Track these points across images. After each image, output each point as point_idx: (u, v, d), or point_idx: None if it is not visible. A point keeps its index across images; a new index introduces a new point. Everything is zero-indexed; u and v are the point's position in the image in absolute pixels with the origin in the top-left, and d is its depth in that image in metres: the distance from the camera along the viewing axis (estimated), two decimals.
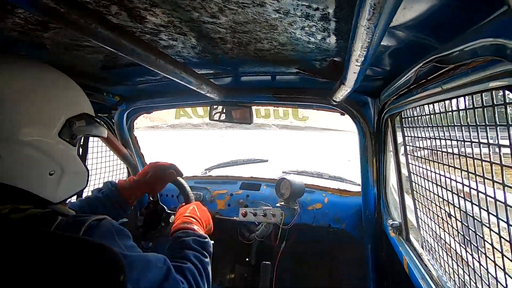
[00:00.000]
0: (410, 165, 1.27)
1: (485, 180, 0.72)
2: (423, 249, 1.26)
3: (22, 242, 0.55)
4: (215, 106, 1.71)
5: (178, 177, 1.33)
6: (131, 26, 0.81)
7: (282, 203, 1.86)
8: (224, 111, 1.71)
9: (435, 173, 1.01)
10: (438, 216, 1.05)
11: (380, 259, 1.66)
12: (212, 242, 1.04)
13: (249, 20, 0.76)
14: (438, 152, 0.97)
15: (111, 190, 1.16)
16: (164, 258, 0.76)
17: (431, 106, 0.95)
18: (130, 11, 0.73)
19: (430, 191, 1.08)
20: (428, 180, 1.09)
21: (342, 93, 1.08)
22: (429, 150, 1.04)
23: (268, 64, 1.19)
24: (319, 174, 2.43)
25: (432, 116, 0.96)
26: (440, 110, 0.92)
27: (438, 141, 0.95)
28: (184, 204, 1.24)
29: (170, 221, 1.38)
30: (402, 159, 1.37)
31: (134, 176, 1.25)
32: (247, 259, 2.05)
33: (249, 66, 1.23)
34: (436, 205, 1.05)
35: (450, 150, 0.88)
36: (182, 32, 0.86)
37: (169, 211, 1.38)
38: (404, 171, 1.37)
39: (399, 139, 1.35)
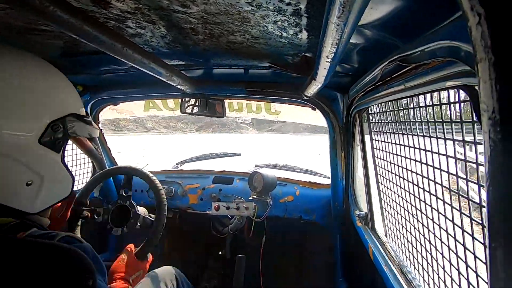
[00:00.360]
0: (376, 159, 1.34)
1: (441, 171, 0.78)
2: (386, 237, 1.34)
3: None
4: (187, 99, 1.67)
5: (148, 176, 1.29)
6: (94, 11, 0.76)
7: (255, 196, 1.87)
8: (196, 103, 1.68)
9: (398, 166, 1.07)
10: (400, 206, 1.12)
11: (347, 247, 1.74)
12: None
13: (221, 12, 0.74)
14: (401, 146, 1.03)
15: None
16: None
17: (395, 102, 1.01)
18: None
19: (393, 182, 1.15)
20: (391, 173, 1.15)
21: (313, 88, 1.11)
22: (393, 144, 1.10)
23: (240, 57, 1.17)
24: (290, 167, 2.47)
25: (396, 112, 1.02)
26: (403, 107, 0.98)
27: (401, 136, 1.01)
28: (134, 252, 1.16)
29: (139, 218, 1.35)
30: (369, 152, 1.44)
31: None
32: (220, 253, 2.05)
33: (222, 59, 1.21)
34: (398, 195, 1.12)
35: (411, 144, 0.94)
36: (151, 20, 0.82)
37: (138, 207, 1.35)
38: (370, 164, 1.44)
39: (366, 133, 1.41)
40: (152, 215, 1.39)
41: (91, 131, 0.75)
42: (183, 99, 1.67)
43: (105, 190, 1.98)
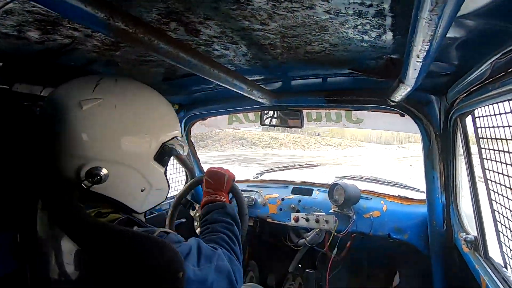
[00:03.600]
0: (487, 171, 1.11)
1: None
2: (506, 269, 1.08)
3: (106, 237, 0.64)
4: (266, 111, 1.74)
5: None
6: (188, 40, 0.88)
7: (336, 209, 1.79)
8: (274, 115, 1.72)
9: None
10: None
11: (449, 277, 1.47)
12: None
13: (298, 24, 0.76)
14: None
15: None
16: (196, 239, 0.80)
17: None
18: (186, 25, 0.79)
19: None
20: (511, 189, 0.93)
21: (401, 92, 1.00)
22: (511, 154, 0.90)
23: (318, 67, 1.16)
24: (376, 179, 2.27)
25: None
26: None
27: None
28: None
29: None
30: (476, 163, 1.20)
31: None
32: (299, 265, 2.01)
33: (299, 70, 1.23)
34: None
35: None
36: (234, 41, 0.90)
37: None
38: (479, 177, 1.20)
39: (472, 141, 1.19)
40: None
41: (186, 150, 0.90)
42: (263, 112, 1.74)
43: (195, 196, 2.21)
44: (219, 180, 1.14)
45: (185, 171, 2.19)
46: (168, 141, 0.82)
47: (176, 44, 0.76)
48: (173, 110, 0.88)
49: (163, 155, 0.81)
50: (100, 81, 0.75)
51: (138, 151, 0.76)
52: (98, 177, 0.70)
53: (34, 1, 0.50)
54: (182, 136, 0.92)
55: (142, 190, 0.80)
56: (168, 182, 0.88)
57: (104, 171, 0.71)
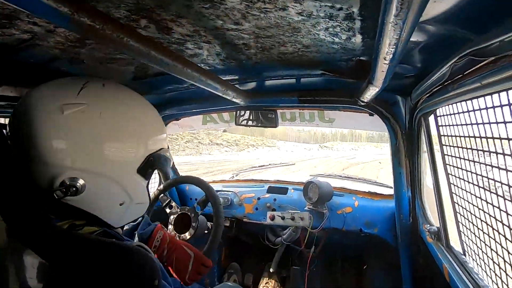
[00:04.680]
0: (448, 166, 1.19)
1: None
2: (465, 256, 1.17)
3: (87, 250, 0.61)
4: (241, 112, 1.74)
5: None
6: (159, 38, 0.85)
7: (311, 207, 1.83)
8: (249, 115, 1.73)
9: (478, 174, 0.94)
10: (482, 221, 0.97)
11: (416, 266, 1.56)
12: None
13: (272, 25, 0.76)
14: (479, 151, 0.90)
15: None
16: None
17: (469, 102, 0.89)
18: (158, 23, 0.76)
19: (472, 194, 1.00)
20: (469, 182, 1.01)
21: (370, 93, 1.05)
22: (469, 150, 0.97)
23: (292, 67, 1.18)
24: (348, 176, 2.36)
25: (471, 113, 0.90)
26: (479, 107, 0.85)
27: (478, 139, 0.88)
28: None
29: (199, 220, 1.42)
30: (438, 159, 1.28)
31: (164, 249, 1.10)
32: (270, 264, 2.03)
33: (273, 70, 1.24)
34: (479, 208, 0.97)
35: (492, 149, 0.81)
36: (207, 40, 0.89)
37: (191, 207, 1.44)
38: (440, 172, 1.29)
39: (434, 138, 1.27)
40: (210, 223, 1.45)
41: (169, 162, 0.85)
42: (238, 112, 1.74)
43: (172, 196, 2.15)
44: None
45: (158, 173, 2.13)
46: (154, 152, 0.78)
47: (147, 42, 0.73)
48: (161, 119, 0.84)
49: (147, 167, 0.77)
50: (86, 84, 0.69)
51: (121, 162, 0.71)
52: (74, 189, 0.65)
53: None
54: (168, 147, 0.86)
55: (121, 204, 0.75)
56: (149, 195, 0.84)
57: (80, 182, 0.65)
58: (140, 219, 1.13)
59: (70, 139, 0.65)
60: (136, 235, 1.10)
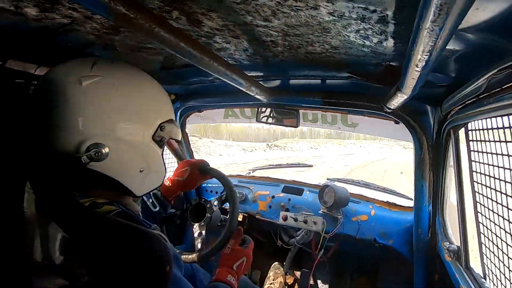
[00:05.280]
0: (475, 184, 1.13)
1: None
2: (485, 279, 1.11)
3: (99, 227, 0.64)
4: (263, 108, 1.73)
5: (218, 173, 1.34)
6: (189, 30, 0.87)
7: (325, 210, 1.80)
8: (271, 113, 1.72)
9: (508, 195, 0.88)
10: (509, 245, 0.91)
11: (431, 284, 1.50)
12: None
13: (301, 23, 0.75)
14: None
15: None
16: None
17: (505, 118, 0.83)
18: (189, 15, 0.77)
19: (500, 215, 0.95)
20: (498, 203, 0.95)
21: (397, 100, 1.01)
22: (501, 169, 0.91)
23: (318, 68, 1.16)
24: (366, 184, 2.30)
25: (506, 130, 0.84)
26: None
27: None
28: (235, 240, 1.23)
29: (214, 210, 1.43)
30: (466, 176, 1.22)
31: (171, 176, 1.30)
32: (283, 263, 2.03)
33: (299, 69, 1.22)
34: (507, 232, 0.92)
35: None
36: (235, 35, 0.89)
37: (211, 200, 1.44)
38: (467, 189, 1.22)
39: (463, 153, 1.21)
40: (224, 216, 1.47)
41: (179, 135, 0.91)
42: (259, 109, 1.74)
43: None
44: (243, 271, 1.16)
45: (177, 162, 2.18)
46: (165, 122, 0.82)
47: (177, 33, 0.75)
48: (167, 94, 0.88)
49: (160, 135, 0.82)
50: (96, 60, 0.75)
51: (137, 129, 0.76)
52: (99, 154, 0.70)
53: None
54: (178, 121, 0.92)
55: (141, 171, 0.80)
56: (165, 165, 0.89)
57: (105, 149, 0.71)
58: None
59: (90, 107, 0.70)
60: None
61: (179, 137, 0.91)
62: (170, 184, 1.27)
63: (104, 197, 0.76)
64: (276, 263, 2.10)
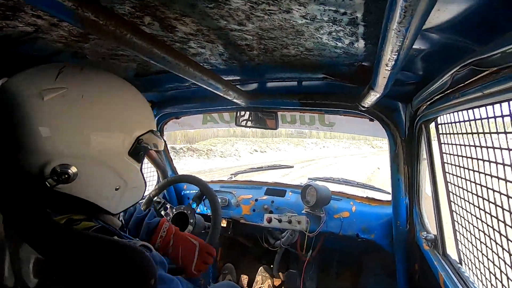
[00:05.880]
0: (447, 175, 1.19)
1: None
2: (461, 265, 1.17)
3: (84, 247, 0.60)
4: (241, 112, 1.74)
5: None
6: (163, 35, 0.85)
7: (308, 210, 1.82)
8: (250, 116, 1.73)
9: (477, 183, 0.94)
10: (480, 230, 0.97)
11: (412, 274, 1.56)
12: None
13: (275, 27, 0.76)
14: (480, 161, 0.90)
15: (144, 235, 1.11)
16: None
17: (470, 111, 0.89)
18: (162, 21, 0.76)
19: (471, 203, 1.00)
20: (468, 191, 1.01)
21: (371, 99, 1.05)
22: (470, 159, 0.97)
23: (294, 70, 1.18)
24: (346, 181, 2.35)
25: (472, 122, 0.90)
26: (481, 116, 0.85)
27: (479, 149, 0.88)
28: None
29: (197, 223, 1.41)
30: (438, 167, 1.28)
31: (170, 240, 1.11)
32: (271, 266, 2.03)
33: (275, 72, 1.24)
34: (477, 218, 0.97)
35: (492, 159, 0.81)
36: (210, 40, 0.89)
37: (196, 214, 1.42)
38: (439, 180, 1.29)
39: (434, 146, 1.27)
40: (208, 223, 1.45)
41: (161, 145, 0.84)
42: (238, 113, 1.74)
43: (166, 197, 2.14)
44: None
45: (157, 171, 2.13)
46: (143, 134, 0.76)
47: (150, 39, 0.73)
48: (146, 101, 0.82)
49: (138, 149, 0.75)
50: (63, 68, 0.67)
51: (110, 145, 0.70)
52: (65, 176, 0.64)
53: None
54: (157, 130, 0.86)
55: (116, 189, 0.74)
56: (144, 179, 0.82)
57: (73, 169, 0.64)
58: (141, 209, 1.17)
59: (54, 124, 0.63)
60: (143, 225, 1.11)
61: (161, 148, 0.85)
62: (159, 249, 1.10)
63: (80, 214, 0.71)
64: (263, 266, 2.09)
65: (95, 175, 0.69)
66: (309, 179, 2.41)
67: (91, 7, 0.57)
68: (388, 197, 1.79)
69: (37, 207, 0.60)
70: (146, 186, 0.84)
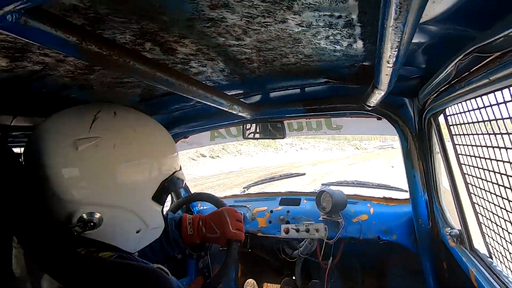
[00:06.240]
0: (463, 166, 1.16)
1: None
2: (492, 259, 1.12)
3: (104, 272, 0.60)
4: (247, 125, 1.74)
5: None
6: (164, 59, 0.88)
7: (325, 216, 1.79)
8: (256, 128, 1.74)
9: (496, 172, 0.91)
10: (506, 220, 0.93)
11: (440, 272, 1.50)
12: None
13: (272, 38, 0.78)
14: (496, 149, 0.87)
15: (173, 230, 1.12)
16: None
17: (479, 99, 0.87)
18: (162, 45, 0.78)
19: (492, 193, 0.97)
20: (488, 181, 0.98)
21: (376, 97, 1.04)
22: (485, 148, 0.94)
23: (295, 78, 1.19)
24: (360, 183, 2.32)
25: (482, 110, 0.88)
26: (490, 103, 0.84)
27: (493, 136, 0.86)
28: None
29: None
30: (453, 159, 1.25)
31: (199, 222, 1.15)
32: (293, 278, 1.98)
33: (277, 82, 1.25)
34: (502, 207, 0.93)
35: (508, 144, 0.79)
36: (210, 57, 0.91)
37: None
38: (456, 172, 1.25)
39: (446, 138, 1.25)
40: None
41: (184, 182, 0.85)
42: (244, 126, 1.75)
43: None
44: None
45: (171, 194, 2.13)
46: (168, 177, 0.78)
47: (152, 64, 0.75)
48: (171, 139, 0.83)
49: (162, 193, 0.77)
50: (98, 114, 0.69)
51: (136, 192, 0.71)
52: (92, 224, 0.65)
53: None
54: (180, 168, 0.85)
55: (137, 232, 0.75)
56: (165, 219, 0.83)
57: (97, 216, 0.66)
58: None
59: (85, 174, 0.65)
60: (168, 221, 1.12)
61: (183, 184, 0.85)
62: (192, 233, 1.13)
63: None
64: (285, 279, 2.05)
65: (120, 221, 0.70)
66: (322, 184, 2.38)
67: (94, 40, 0.60)
68: (406, 195, 1.75)
69: (56, 238, 0.61)
70: (165, 225, 0.85)
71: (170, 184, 0.78)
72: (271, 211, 2.00)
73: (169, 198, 2.08)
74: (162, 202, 0.79)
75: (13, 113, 1.06)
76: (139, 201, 0.72)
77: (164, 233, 1.11)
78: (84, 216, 0.65)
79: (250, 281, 2.17)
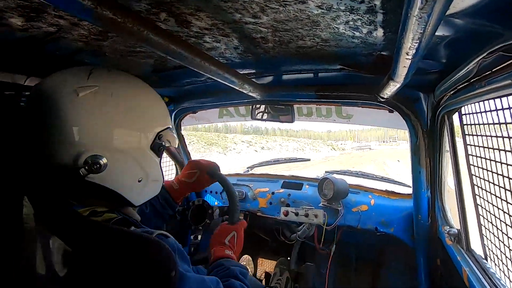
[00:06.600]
0: (472, 167, 1.14)
1: None
2: (487, 260, 1.12)
3: (101, 237, 0.63)
4: (257, 106, 1.73)
5: (225, 180, 1.34)
6: (178, 31, 0.86)
7: (325, 203, 1.81)
8: (265, 109, 1.72)
9: (504, 176, 0.89)
10: (508, 225, 0.93)
11: (434, 269, 1.52)
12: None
13: (290, 18, 0.75)
14: (508, 153, 0.85)
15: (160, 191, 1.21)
16: (217, 280, 0.82)
17: (498, 101, 0.84)
18: (177, 16, 0.77)
19: (498, 197, 0.96)
20: (495, 185, 0.96)
21: (390, 89, 1.02)
22: (497, 151, 0.92)
23: (310, 61, 1.16)
24: (364, 174, 2.31)
25: (499, 112, 0.85)
26: (509, 105, 0.81)
27: (508, 140, 0.84)
28: (226, 222, 1.27)
29: (214, 217, 1.44)
30: (462, 159, 1.23)
31: (179, 176, 1.30)
32: (288, 258, 2.04)
33: (291, 64, 1.22)
34: (505, 212, 0.93)
35: None
36: (225, 33, 0.89)
37: (213, 207, 1.44)
38: (463, 173, 1.23)
39: (458, 137, 1.22)
40: (226, 216, 1.47)
41: (176, 142, 0.91)
42: (254, 106, 1.74)
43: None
44: (240, 248, 1.22)
45: (175, 165, 2.18)
46: (162, 130, 0.83)
47: (166, 35, 0.74)
48: (163, 102, 0.88)
49: (158, 144, 0.82)
50: (93, 70, 0.74)
51: (136, 139, 0.77)
52: (98, 165, 0.70)
53: None
54: (174, 125, 0.93)
55: (139, 181, 0.80)
56: (162, 173, 0.89)
57: (103, 160, 0.70)
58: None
59: (89, 119, 0.69)
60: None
61: (176, 144, 0.91)
62: (178, 187, 1.27)
63: (104, 206, 0.75)
64: (280, 259, 2.11)
65: (122, 167, 0.75)
66: (326, 172, 2.39)
67: (109, 5, 0.59)
68: (408, 191, 1.75)
69: (62, 200, 0.64)
70: (163, 180, 0.90)
71: (165, 137, 0.84)
72: (273, 193, 2.03)
73: (174, 170, 2.13)
74: (159, 154, 0.84)
75: (27, 73, 1.07)
76: (139, 148, 0.78)
77: (156, 197, 1.18)
78: (89, 159, 0.69)
79: (246, 257, 2.24)
